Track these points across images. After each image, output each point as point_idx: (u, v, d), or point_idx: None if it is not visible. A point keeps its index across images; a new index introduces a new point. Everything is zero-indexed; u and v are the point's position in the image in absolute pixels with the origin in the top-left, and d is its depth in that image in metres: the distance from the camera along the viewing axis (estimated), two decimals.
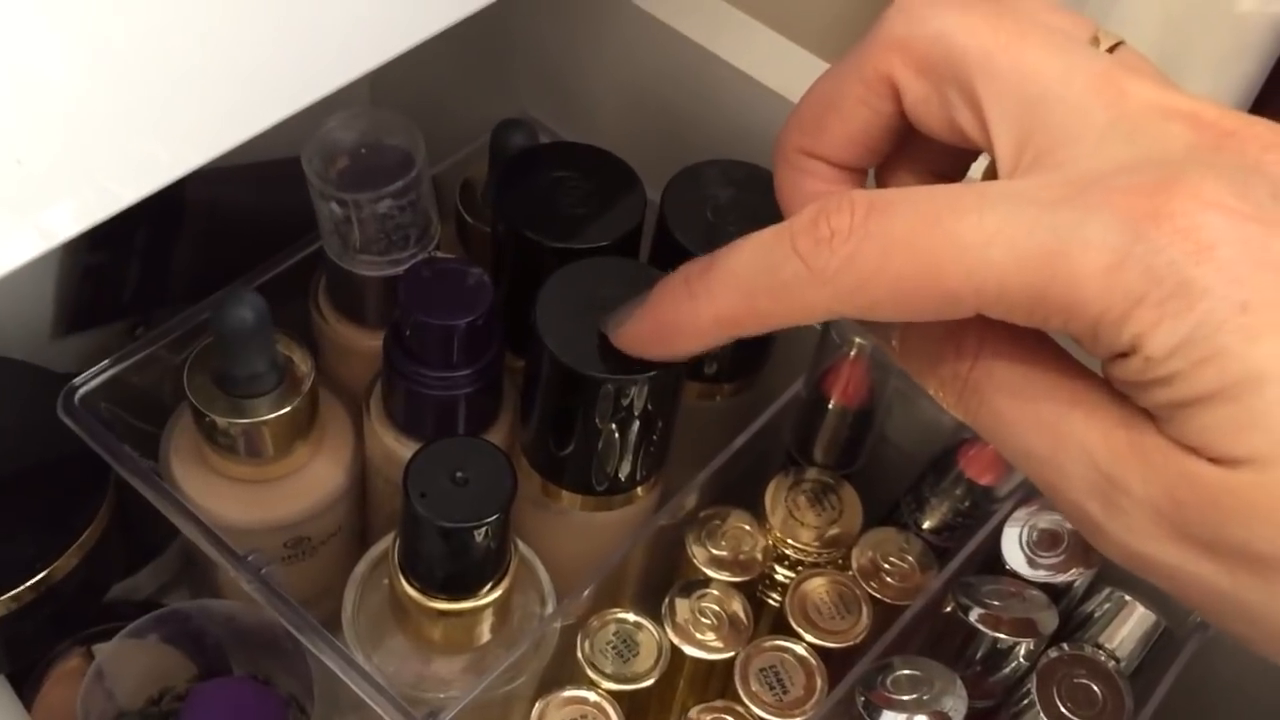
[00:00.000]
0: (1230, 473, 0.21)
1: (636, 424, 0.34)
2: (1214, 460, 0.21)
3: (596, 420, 0.34)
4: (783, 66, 0.41)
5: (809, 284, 0.24)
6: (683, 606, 0.38)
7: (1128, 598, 0.39)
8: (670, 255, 0.37)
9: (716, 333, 0.27)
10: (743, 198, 0.38)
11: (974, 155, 0.28)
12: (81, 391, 0.38)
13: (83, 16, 0.24)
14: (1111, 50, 0.25)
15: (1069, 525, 0.39)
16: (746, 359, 0.41)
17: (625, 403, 0.33)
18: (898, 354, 0.26)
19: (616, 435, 0.34)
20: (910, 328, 0.25)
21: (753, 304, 0.25)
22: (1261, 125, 0.23)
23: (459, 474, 0.33)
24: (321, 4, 0.28)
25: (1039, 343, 0.24)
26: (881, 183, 0.29)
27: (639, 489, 0.37)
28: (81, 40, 0.24)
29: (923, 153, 0.28)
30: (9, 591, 0.38)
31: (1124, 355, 0.22)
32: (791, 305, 0.25)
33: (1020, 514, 0.39)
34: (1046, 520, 0.38)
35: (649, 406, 0.34)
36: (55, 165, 0.26)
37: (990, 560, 0.39)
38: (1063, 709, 0.36)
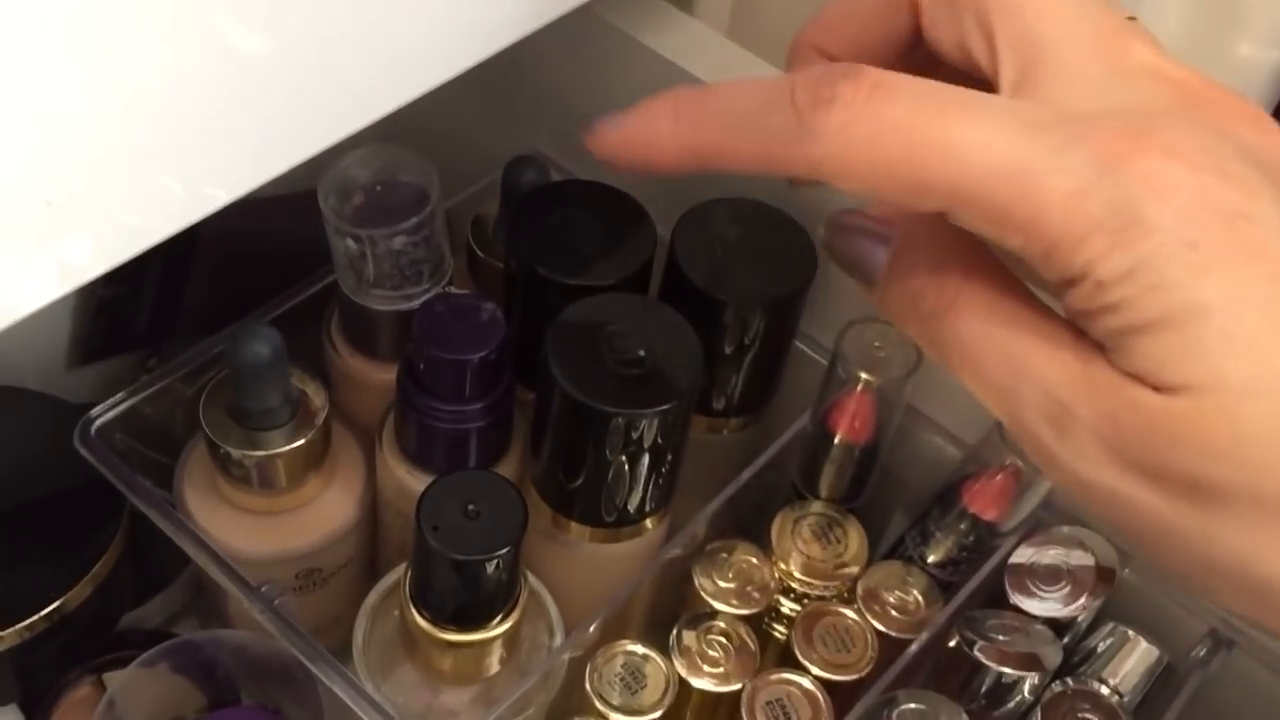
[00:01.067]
0: (1170, 399, 0.22)
1: (645, 457, 0.35)
2: (1155, 388, 0.22)
3: (606, 453, 0.34)
4: None
5: (795, 138, 0.25)
6: (690, 638, 0.38)
7: (1131, 633, 0.39)
8: (679, 292, 0.38)
9: (689, 160, 0.27)
10: (750, 235, 0.39)
11: (976, 85, 0.29)
12: (98, 423, 0.38)
13: (112, 63, 0.25)
14: (1129, 20, 0.26)
15: (1073, 560, 0.39)
16: (753, 395, 0.41)
17: (634, 436, 0.34)
18: (879, 297, 0.27)
19: (625, 468, 0.35)
20: (896, 268, 0.26)
21: (734, 143, 0.26)
22: (1238, 99, 0.25)
23: (471, 507, 0.33)
24: (343, 50, 0.29)
25: (1009, 281, 0.25)
26: None
27: (647, 521, 0.37)
28: (108, 85, 0.25)
29: (928, 74, 0.29)
30: (22, 621, 0.39)
31: (1075, 282, 0.23)
32: (770, 153, 0.25)
33: (1024, 549, 0.39)
34: (1050, 555, 0.39)
35: (657, 440, 0.34)
36: (82, 207, 0.26)
37: (995, 595, 0.39)
38: None
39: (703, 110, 0.27)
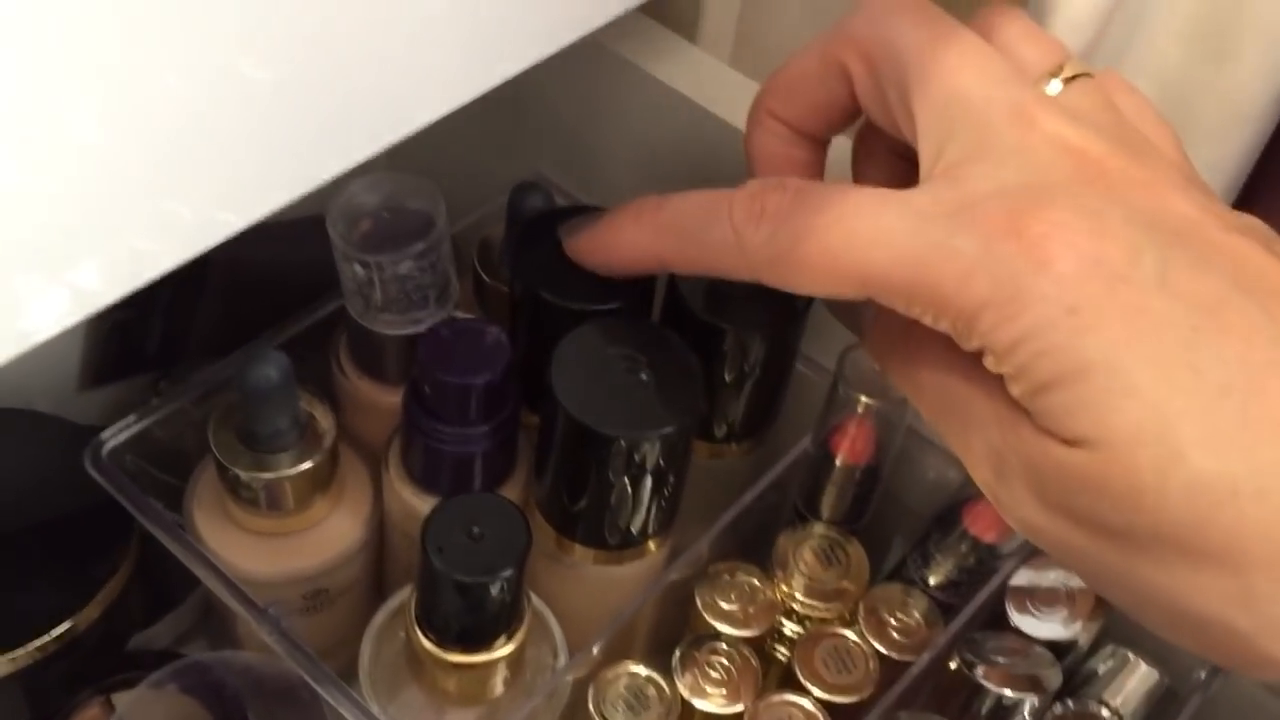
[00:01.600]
0: (1073, 452, 0.24)
1: (648, 480, 0.35)
2: (1063, 441, 0.24)
3: (609, 476, 0.35)
4: None
5: (732, 249, 0.28)
6: (692, 660, 0.38)
7: (1131, 655, 0.39)
8: (680, 320, 0.38)
9: (648, 263, 0.32)
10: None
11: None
12: (109, 445, 0.39)
13: (126, 94, 0.25)
14: (1071, 80, 0.28)
15: (1073, 583, 0.39)
16: (756, 420, 0.41)
17: (638, 459, 0.34)
18: (867, 345, 0.30)
19: (628, 490, 0.35)
20: (877, 324, 0.29)
21: (683, 251, 0.30)
22: (1138, 168, 0.26)
23: (475, 529, 0.34)
24: (353, 79, 0.30)
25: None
26: (855, 146, 0.33)
27: (650, 543, 0.38)
28: (122, 115, 0.26)
29: (875, 137, 0.32)
30: (33, 642, 0.39)
31: (981, 353, 0.25)
32: (714, 262, 0.29)
33: (1024, 571, 0.39)
34: (1050, 578, 0.39)
35: (660, 462, 0.35)
36: (96, 234, 0.27)
37: (995, 617, 0.39)
38: None
39: (660, 220, 0.31)
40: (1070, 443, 0.24)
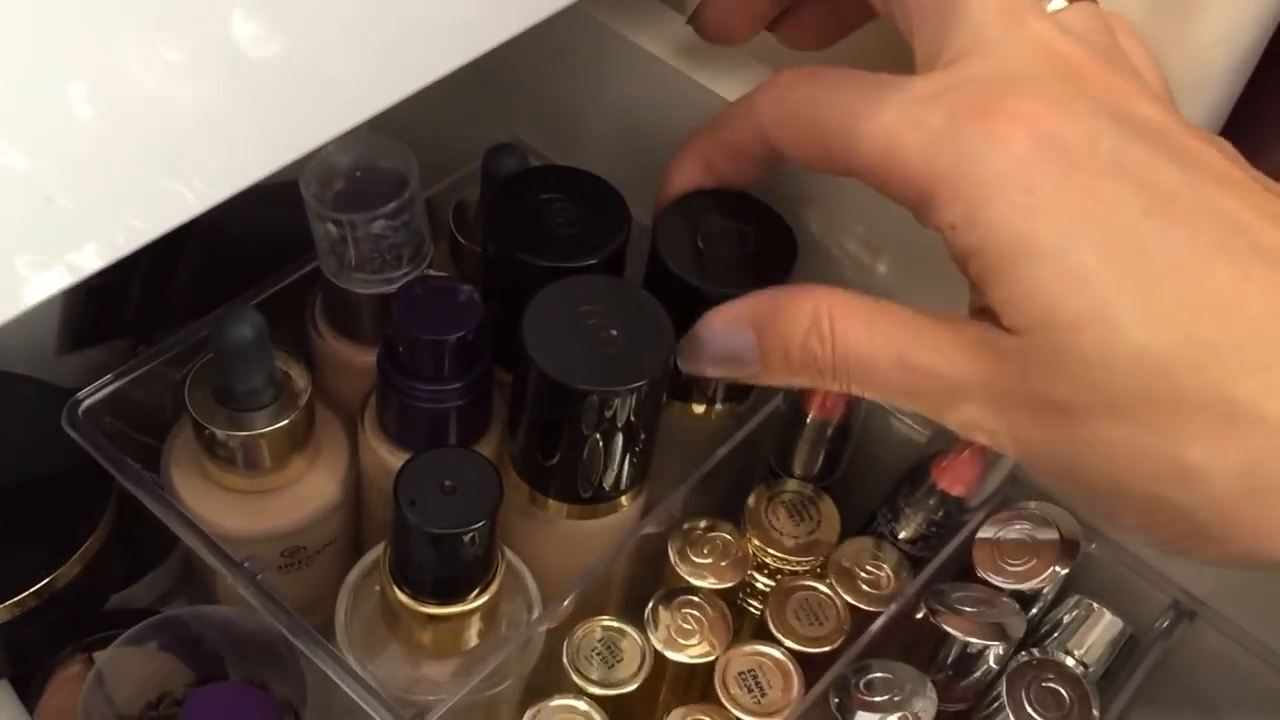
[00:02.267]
0: (1021, 339, 0.25)
1: (620, 435, 0.36)
2: (1009, 329, 0.25)
3: (581, 431, 0.35)
4: None
5: (745, 111, 0.33)
6: (666, 613, 0.39)
7: (1095, 605, 0.40)
8: (663, 281, 0.38)
9: (694, 173, 0.38)
10: (732, 225, 0.39)
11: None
12: (85, 405, 0.39)
13: (112, 62, 0.25)
14: (1075, 2, 0.29)
15: (1039, 535, 0.40)
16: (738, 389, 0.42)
17: (609, 414, 0.35)
18: (761, 370, 0.32)
19: (600, 446, 0.36)
20: (771, 340, 0.31)
21: (714, 137, 0.37)
22: (1116, 77, 0.27)
23: (447, 483, 0.34)
24: (337, 49, 0.30)
25: (866, 299, 0.29)
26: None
27: (623, 498, 0.38)
28: (108, 83, 0.26)
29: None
30: (13, 598, 0.40)
31: (941, 231, 0.26)
32: (735, 137, 0.34)
33: (991, 524, 0.40)
34: (1017, 530, 0.40)
35: (632, 418, 0.35)
36: (82, 203, 0.27)
37: (963, 569, 0.40)
38: (1031, 712, 0.37)
39: (692, 140, 0.37)
40: (1019, 330, 0.25)
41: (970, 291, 0.28)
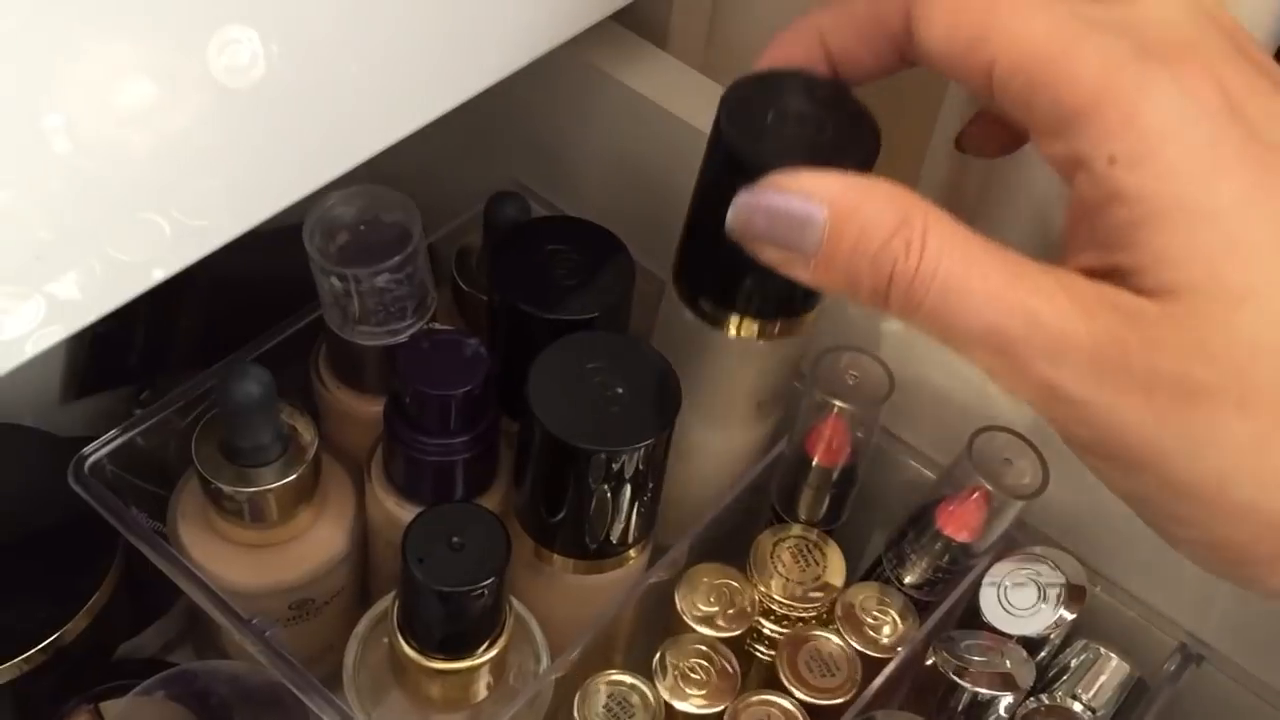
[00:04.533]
0: (1163, 304, 0.22)
1: (625, 491, 0.36)
2: (1144, 291, 0.23)
3: (586, 488, 0.35)
4: None
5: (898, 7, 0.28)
6: (673, 661, 0.39)
7: (1103, 650, 0.40)
8: (718, 156, 0.34)
9: (809, 41, 0.32)
10: (812, 109, 0.32)
11: None
12: (91, 459, 0.39)
13: (105, 108, 0.26)
14: None
15: (1045, 580, 0.40)
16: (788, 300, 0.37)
17: (614, 471, 0.35)
18: (821, 266, 0.26)
19: (606, 502, 0.36)
20: (844, 231, 0.25)
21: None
22: (1267, 58, 0.25)
23: (455, 539, 0.34)
24: (332, 93, 0.30)
25: (967, 230, 0.25)
26: None
27: (630, 551, 0.38)
28: (101, 130, 0.26)
29: None
30: (20, 655, 0.40)
31: (1088, 162, 0.23)
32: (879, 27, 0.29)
33: (997, 569, 0.40)
34: (1023, 575, 0.40)
35: (637, 474, 0.35)
36: (81, 252, 0.27)
37: (969, 613, 0.40)
38: None
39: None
40: (1160, 292, 0.22)
41: (1077, 252, 0.24)
